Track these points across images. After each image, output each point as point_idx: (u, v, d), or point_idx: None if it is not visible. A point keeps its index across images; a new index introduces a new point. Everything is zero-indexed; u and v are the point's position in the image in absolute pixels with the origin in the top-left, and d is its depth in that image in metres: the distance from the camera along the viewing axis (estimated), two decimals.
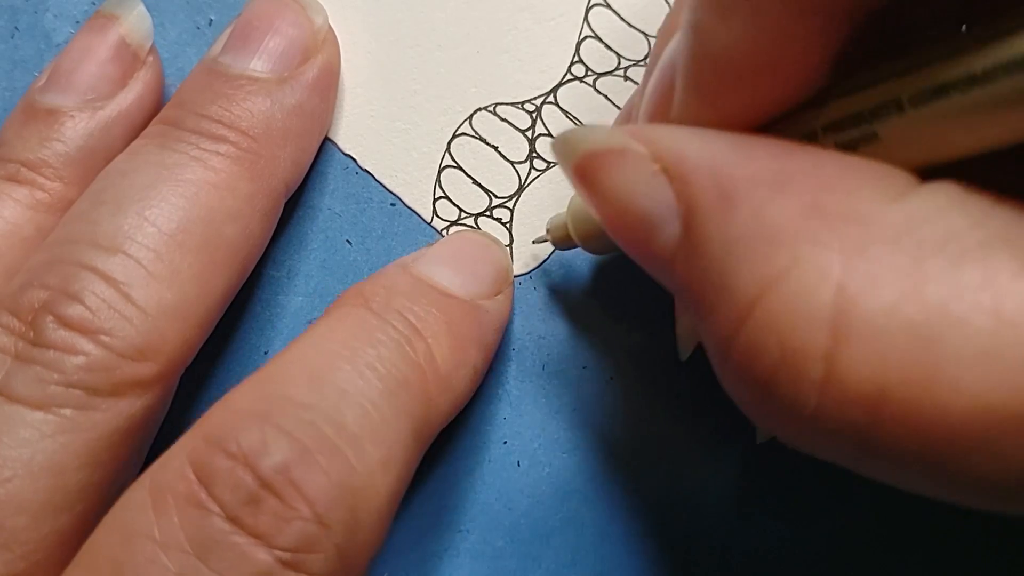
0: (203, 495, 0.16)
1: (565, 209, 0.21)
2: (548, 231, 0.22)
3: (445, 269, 0.21)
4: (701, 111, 0.15)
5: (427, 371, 0.19)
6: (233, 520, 0.16)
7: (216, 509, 0.16)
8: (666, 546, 0.22)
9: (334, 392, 0.17)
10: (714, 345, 0.14)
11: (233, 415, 0.17)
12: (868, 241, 0.12)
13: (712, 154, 0.14)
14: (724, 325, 0.13)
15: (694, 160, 0.14)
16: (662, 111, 0.16)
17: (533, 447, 0.22)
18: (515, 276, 0.23)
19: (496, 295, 0.21)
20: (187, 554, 0.16)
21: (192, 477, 0.16)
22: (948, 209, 0.13)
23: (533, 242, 0.23)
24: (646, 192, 0.14)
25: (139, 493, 0.16)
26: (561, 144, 0.16)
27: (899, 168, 0.13)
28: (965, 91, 0.12)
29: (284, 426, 0.17)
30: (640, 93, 0.19)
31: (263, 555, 0.16)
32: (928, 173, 0.13)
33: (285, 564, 0.16)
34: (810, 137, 0.15)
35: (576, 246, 0.21)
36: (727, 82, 0.14)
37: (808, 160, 0.14)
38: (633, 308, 0.23)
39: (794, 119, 0.15)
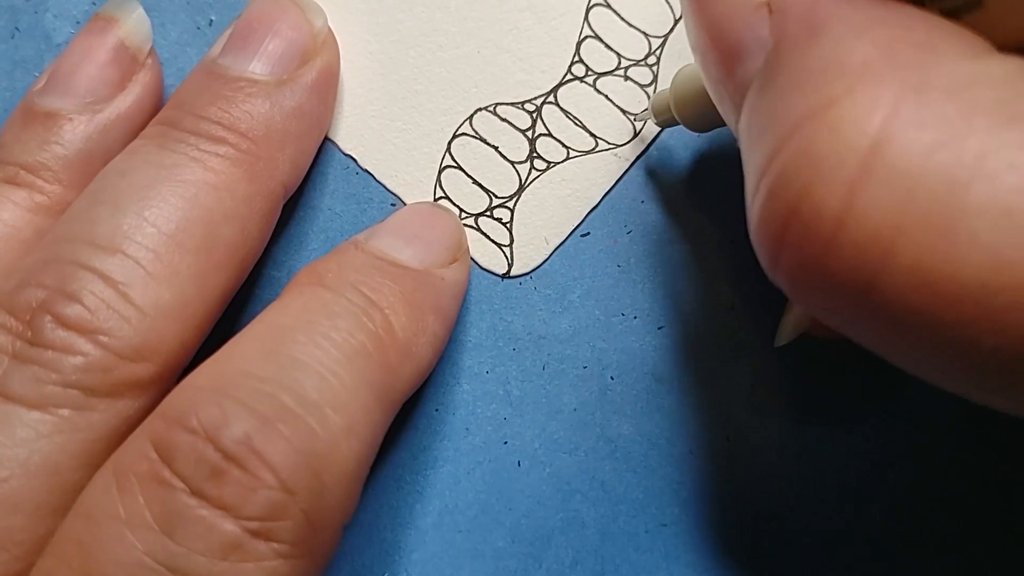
0: (166, 472, 0.16)
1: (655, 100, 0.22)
2: (651, 107, 0.22)
3: (397, 241, 0.21)
4: None
5: (385, 340, 0.19)
6: (197, 494, 0.16)
7: (179, 484, 0.16)
8: (668, 546, 0.21)
9: (291, 363, 0.17)
10: (749, 182, 0.14)
11: (191, 393, 0.17)
12: (926, 86, 0.12)
13: None
14: (763, 155, 0.13)
15: None
16: None
17: (533, 447, 0.22)
18: (515, 276, 0.23)
19: (451, 263, 0.21)
20: (153, 531, 0.16)
21: (153, 455, 0.16)
22: (1014, 77, 0.12)
23: (635, 118, 0.23)
24: (746, 23, 0.15)
25: (103, 476, 0.17)
26: None
27: (994, 44, 0.13)
28: None
29: (243, 398, 0.17)
30: None
31: (230, 526, 0.16)
32: None
33: (253, 533, 0.16)
34: (918, 2, 0.14)
35: (677, 123, 0.21)
36: None
37: (899, 13, 0.14)
38: (634, 308, 0.23)
39: None
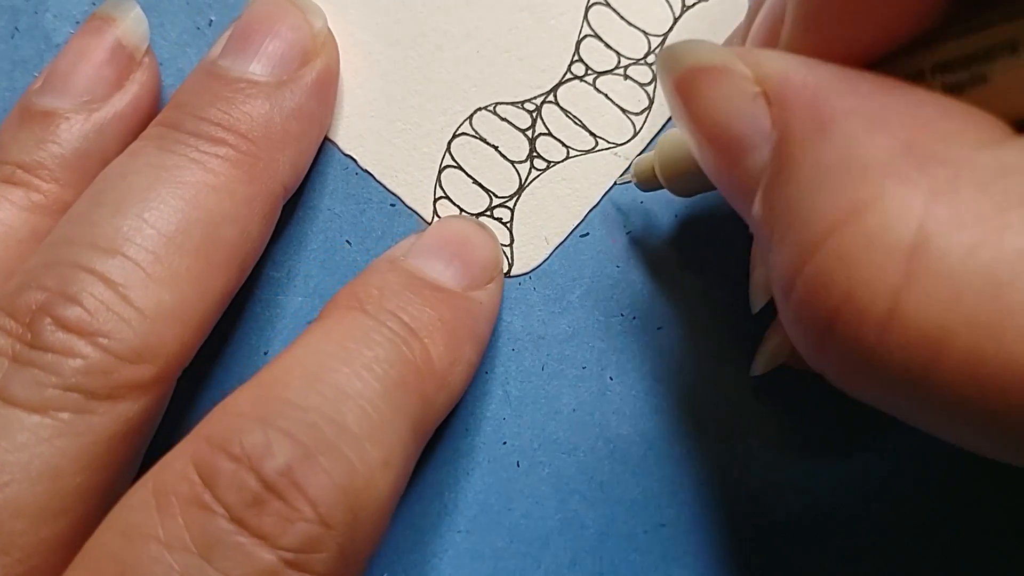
0: (207, 496, 0.16)
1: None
2: (633, 171, 0.22)
3: (436, 262, 0.21)
4: (810, 46, 0.15)
5: (423, 370, 0.19)
6: (238, 521, 0.16)
7: (220, 510, 0.16)
8: (666, 547, 0.21)
9: (334, 394, 0.17)
10: (781, 276, 0.14)
11: (235, 418, 0.17)
12: (956, 183, 0.12)
13: (816, 81, 0.14)
14: (795, 254, 0.13)
15: (797, 86, 0.14)
16: (769, 46, 0.16)
17: (533, 447, 0.22)
18: (515, 275, 0.23)
19: (488, 283, 0.21)
20: (192, 554, 0.16)
21: (196, 479, 0.16)
22: None
23: (616, 182, 0.23)
24: (743, 114, 0.14)
25: (142, 494, 0.17)
26: (667, 55, 0.16)
27: (999, 118, 0.13)
28: None
29: (286, 428, 0.17)
30: (745, 27, 0.18)
31: (267, 555, 0.16)
32: None
33: (289, 564, 0.16)
34: (918, 76, 0.14)
35: (660, 187, 0.21)
36: (840, 17, 0.14)
37: (909, 99, 0.14)
38: (633, 308, 0.23)
39: (903, 58, 0.15)
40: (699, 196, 0.22)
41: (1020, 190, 0.12)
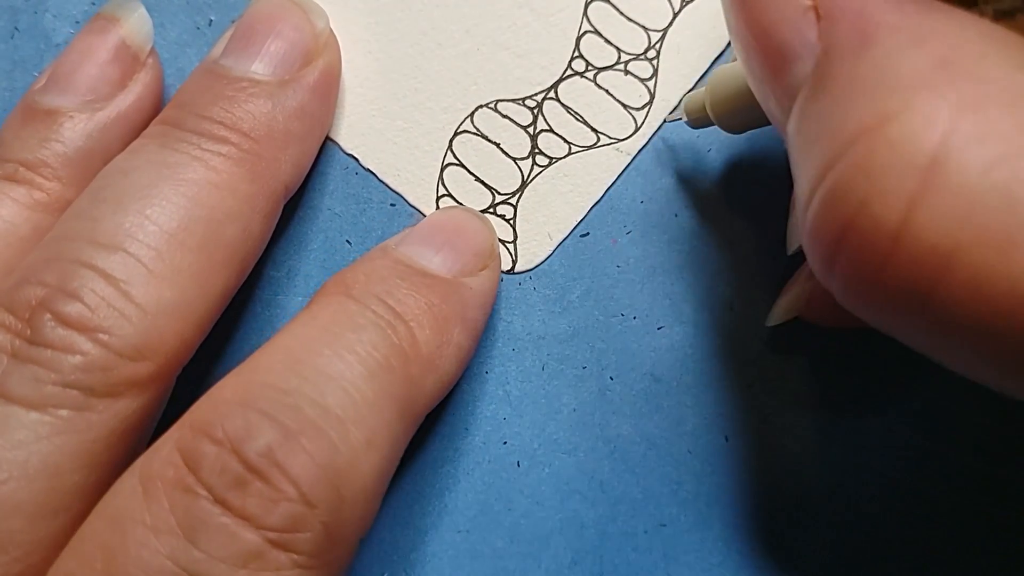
0: (191, 479, 0.16)
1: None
2: (684, 107, 0.22)
3: (426, 249, 0.21)
4: None
5: (409, 354, 0.19)
6: (221, 502, 0.16)
7: (204, 492, 0.16)
8: (666, 547, 0.21)
9: (316, 376, 0.18)
10: (803, 190, 0.14)
11: (218, 404, 0.17)
12: (983, 101, 0.12)
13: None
14: (818, 165, 0.14)
15: (846, 1, 0.14)
16: None
17: (533, 447, 0.22)
18: (520, 272, 0.23)
19: (481, 270, 0.21)
20: (177, 536, 0.16)
21: (180, 463, 0.17)
22: None
23: (666, 119, 0.23)
24: (793, 26, 0.15)
25: (129, 481, 0.17)
26: None
27: None
28: None
29: (267, 411, 0.17)
30: None
31: (251, 535, 0.16)
32: None
33: (274, 544, 0.16)
34: (969, 3, 0.14)
35: (711, 124, 0.21)
36: None
37: (952, 20, 0.13)
38: (633, 308, 0.23)
39: None
40: (699, 193, 0.22)
41: None
